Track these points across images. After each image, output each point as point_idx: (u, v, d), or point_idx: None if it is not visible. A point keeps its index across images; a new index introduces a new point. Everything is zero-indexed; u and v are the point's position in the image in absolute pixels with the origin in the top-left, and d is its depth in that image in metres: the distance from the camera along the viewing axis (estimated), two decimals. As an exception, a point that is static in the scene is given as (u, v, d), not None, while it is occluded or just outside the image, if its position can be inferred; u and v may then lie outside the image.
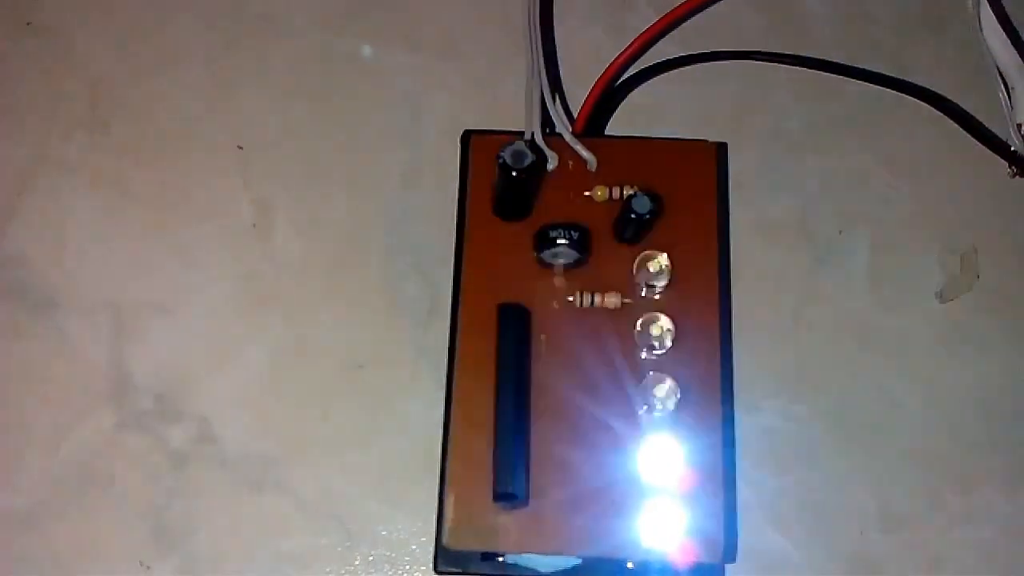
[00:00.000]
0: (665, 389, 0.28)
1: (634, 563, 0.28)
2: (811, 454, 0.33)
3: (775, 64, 0.36)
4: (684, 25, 0.36)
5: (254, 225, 0.35)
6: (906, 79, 0.36)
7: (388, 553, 0.32)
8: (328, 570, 0.32)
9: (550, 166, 0.31)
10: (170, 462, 0.32)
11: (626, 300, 0.30)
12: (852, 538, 0.32)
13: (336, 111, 0.36)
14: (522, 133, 0.31)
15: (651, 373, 0.29)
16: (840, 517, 0.32)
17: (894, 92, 0.36)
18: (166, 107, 0.36)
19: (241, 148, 0.35)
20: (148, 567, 0.32)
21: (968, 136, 0.35)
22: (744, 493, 0.32)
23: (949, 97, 0.36)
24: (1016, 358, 0.34)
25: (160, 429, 0.33)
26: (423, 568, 0.31)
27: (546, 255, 0.30)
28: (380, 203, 0.35)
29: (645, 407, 0.29)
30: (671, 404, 0.28)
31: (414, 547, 0.32)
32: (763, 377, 0.33)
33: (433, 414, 0.30)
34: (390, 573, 0.32)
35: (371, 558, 0.32)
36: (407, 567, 0.32)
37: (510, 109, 0.32)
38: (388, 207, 0.35)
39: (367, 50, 0.37)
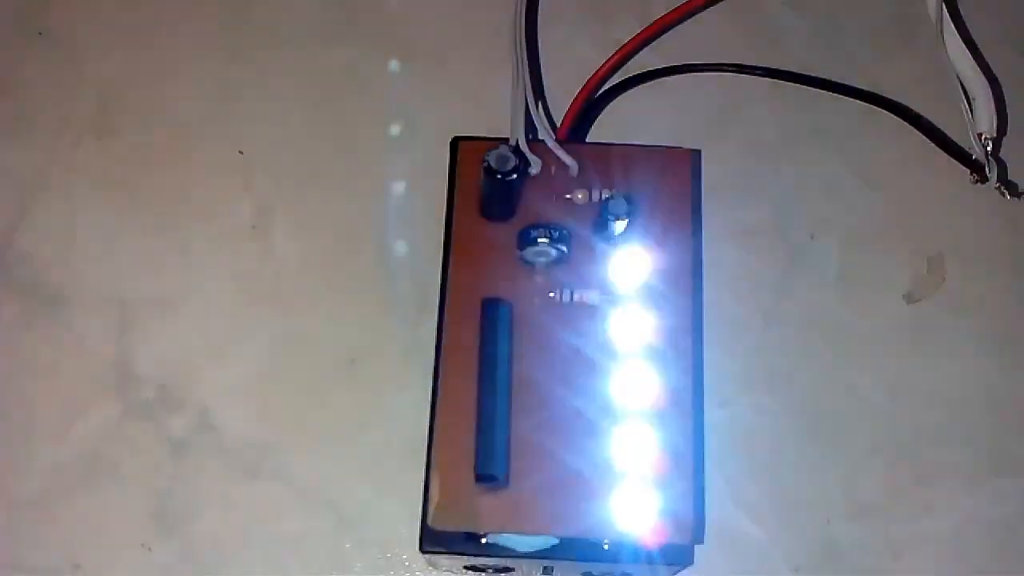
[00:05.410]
0: None
1: (608, 543, 0.29)
2: (781, 446, 0.34)
3: (751, 76, 0.37)
4: (664, 38, 0.37)
5: (253, 226, 0.36)
6: (875, 91, 0.37)
7: (377, 536, 0.33)
8: (321, 552, 0.33)
9: (533, 171, 0.32)
10: (172, 449, 0.34)
11: (604, 297, 0.31)
12: (818, 526, 0.33)
13: (332, 118, 0.37)
14: (508, 139, 0.32)
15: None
16: (807, 506, 0.34)
17: (864, 104, 0.37)
18: (171, 113, 0.37)
19: (242, 153, 0.37)
20: (150, 549, 0.33)
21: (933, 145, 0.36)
22: (717, 483, 0.33)
23: (915, 108, 0.37)
24: (979, 358, 0.35)
25: (162, 418, 0.34)
26: (410, 549, 0.32)
27: (529, 254, 0.31)
28: (374, 205, 0.36)
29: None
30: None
31: (402, 530, 0.33)
32: (737, 373, 0.35)
33: (421, 406, 0.31)
34: (378, 554, 0.33)
35: (361, 540, 0.33)
36: (395, 548, 0.33)
37: (498, 117, 0.33)
38: (381, 209, 0.36)
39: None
